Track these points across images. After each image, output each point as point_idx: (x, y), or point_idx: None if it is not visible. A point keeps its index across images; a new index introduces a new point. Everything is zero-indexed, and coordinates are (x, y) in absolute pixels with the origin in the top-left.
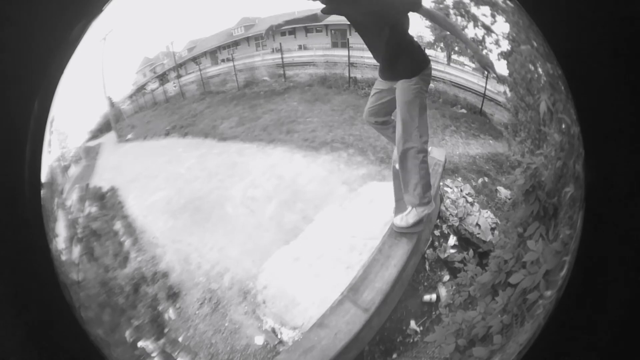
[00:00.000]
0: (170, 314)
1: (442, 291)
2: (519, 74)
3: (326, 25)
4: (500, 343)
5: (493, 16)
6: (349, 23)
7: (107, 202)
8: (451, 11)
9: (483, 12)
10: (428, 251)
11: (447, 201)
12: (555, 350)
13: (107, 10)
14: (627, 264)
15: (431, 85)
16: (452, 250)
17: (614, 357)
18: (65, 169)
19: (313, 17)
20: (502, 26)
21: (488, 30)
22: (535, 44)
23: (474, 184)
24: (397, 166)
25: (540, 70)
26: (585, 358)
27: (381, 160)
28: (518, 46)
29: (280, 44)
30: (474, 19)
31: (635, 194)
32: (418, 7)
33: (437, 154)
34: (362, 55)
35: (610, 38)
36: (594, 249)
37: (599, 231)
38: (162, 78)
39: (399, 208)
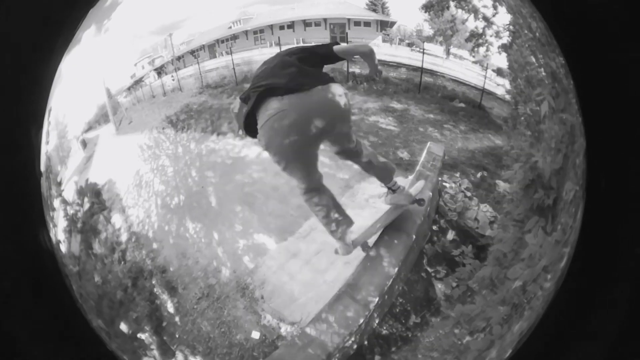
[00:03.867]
0: (169, 308)
1: (440, 285)
2: (520, 65)
3: (325, 20)
4: (499, 333)
5: (494, 7)
6: (348, 18)
7: (104, 195)
8: (452, 3)
9: (484, 4)
10: (427, 246)
11: (446, 196)
12: (554, 339)
13: (107, 2)
14: (627, 256)
15: (430, 79)
16: (451, 245)
17: (613, 347)
18: (64, 160)
19: None
20: (503, 17)
21: (488, 21)
22: (537, 33)
23: (472, 178)
24: None
25: (542, 60)
26: (584, 347)
27: None
28: (519, 37)
29: (279, 37)
30: (475, 11)
31: (636, 185)
32: None
33: (435, 148)
34: None
35: (614, 27)
36: (594, 240)
37: (599, 223)
38: (161, 71)
39: None
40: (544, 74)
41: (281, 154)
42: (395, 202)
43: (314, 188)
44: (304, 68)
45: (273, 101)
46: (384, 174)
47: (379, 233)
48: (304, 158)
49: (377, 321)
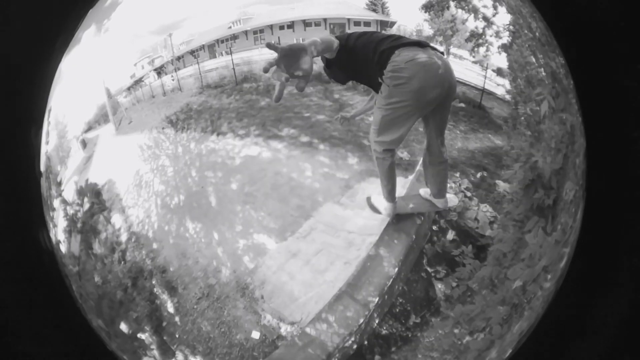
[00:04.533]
0: (169, 308)
1: (440, 285)
2: (520, 65)
3: (325, 20)
4: (499, 333)
5: (494, 7)
6: (348, 18)
7: (104, 195)
8: (452, 3)
9: (484, 4)
10: (427, 246)
11: None
12: (554, 339)
13: (107, 2)
14: (627, 256)
15: None
16: (451, 245)
17: (612, 347)
18: (64, 160)
19: None
20: (503, 17)
21: (488, 21)
22: (537, 33)
23: (472, 178)
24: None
25: (542, 60)
26: (584, 347)
27: None
28: (519, 37)
29: (279, 37)
30: (475, 11)
31: (636, 185)
32: None
33: None
34: None
35: (614, 27)
36: (594, 240)
37: (599, 223)
38: (160, 71)
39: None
40: (544, 74)
41: (416, 99)
42: (434, 201)
43: (394, 149)
44: None
45: (422, 52)
46: (438, 186)
47: (407, 212)
48: (421, 112)
49: (377, 321)
